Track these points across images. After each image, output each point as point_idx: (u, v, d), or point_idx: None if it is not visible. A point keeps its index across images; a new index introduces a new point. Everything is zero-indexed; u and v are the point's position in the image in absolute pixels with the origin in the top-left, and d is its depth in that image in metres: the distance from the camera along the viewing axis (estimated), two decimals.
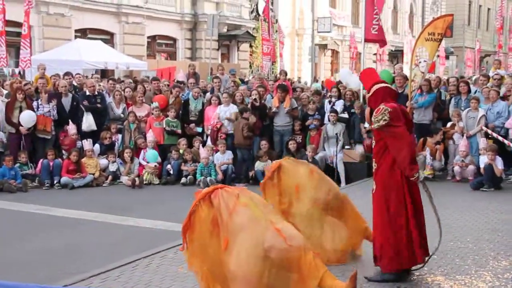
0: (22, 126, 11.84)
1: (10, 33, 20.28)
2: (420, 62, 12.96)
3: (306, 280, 4.63)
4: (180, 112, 13.14)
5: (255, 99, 12.72)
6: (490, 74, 15.68)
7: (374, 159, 5.95)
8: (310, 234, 6.03)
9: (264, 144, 12.12)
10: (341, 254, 6.26)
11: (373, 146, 6.07)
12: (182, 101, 13.40)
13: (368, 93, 6.06)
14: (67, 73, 14.44)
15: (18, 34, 18.19)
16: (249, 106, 12.57)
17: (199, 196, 4.86)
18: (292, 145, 12.04)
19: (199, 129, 13.08)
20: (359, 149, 12.42)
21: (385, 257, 5.72)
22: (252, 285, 4.52)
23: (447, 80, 15.02)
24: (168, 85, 14.35)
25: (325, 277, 4.65)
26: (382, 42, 15.16)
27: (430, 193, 5.82)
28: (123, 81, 15.28)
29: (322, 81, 25.06)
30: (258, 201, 4.94)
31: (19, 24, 17.33)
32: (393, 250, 5.66)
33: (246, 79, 19.62)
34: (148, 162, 12.27)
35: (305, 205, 6.22)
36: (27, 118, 11.86)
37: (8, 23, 15.86)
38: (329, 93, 13.54)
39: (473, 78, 17.91)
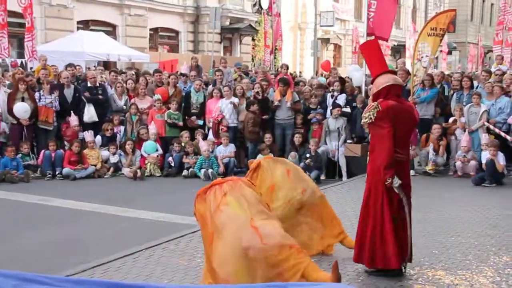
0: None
1: (11, 24, 20.25)
2: (422, 57, 12.95)
3: (287, 277, 4.58)
4: (182, 104, 13.14)
5: (257, 92, 12.72)
6: (492, 69, 15.66)
7: (368, 153, 5.98)
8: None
9: (268, 137, 12.14)
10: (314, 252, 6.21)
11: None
12: (184, 94, 13.40)
13: (374, 79, 5.87)
14: (69, 65, 14.41)
15: (20, 25, 18.17)
16: (251, 99, 12.56)
17: (198, 192, 4.89)
18: (297, 139, 12.05)
19: (200, 122, 13.07)
20: None
21: (360, 251, 5.74)
22: (232, 283, 4.53)
23: (448, 75, 15.00)
24: (169, 77, 14.31)
25: (308, 270, 4.61)
26: (380, 38, 15.05)
27: (404, 201, 5.68)
28: (125, 72, 15.23)
29: (323, 74, 24.85)
30: (245, 198, 4.92)
31: (20, 15, 17.29)
32: (366, 246, 5.65)
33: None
34: (148, 154, 12.28)
35: (279, 205, 6.18)
36: (20, 110, 11.84)
37: (9, 13, 15.81)
38: (331, 87, 13.49)
39: (475, 73, 17.89)
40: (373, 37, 15.31)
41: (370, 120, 5.55)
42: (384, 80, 5.71)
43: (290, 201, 6.20)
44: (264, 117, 12.50)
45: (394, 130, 5.51)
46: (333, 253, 6.41)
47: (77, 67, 14.54)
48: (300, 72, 32.23)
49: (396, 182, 5.52)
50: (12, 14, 18.60)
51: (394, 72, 6.18)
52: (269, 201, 6.03)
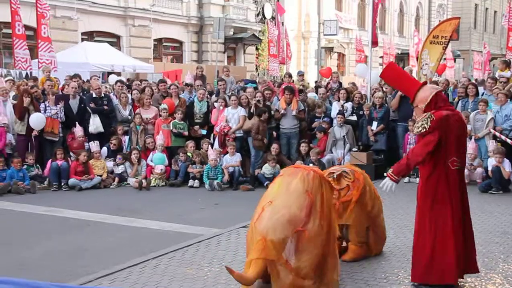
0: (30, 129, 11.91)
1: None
2: (423, 65, 13.00)
3: None
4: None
5: (258, 100, 12.71)
6: (496, 75, 15.66)
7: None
8: None
9: (275, 148, 12.10)
10: None
11: None
12: (187, 103, 13.41)
13: (413, 98, 5.72)
14: (75, 75, 14.46)
15: (29, 37, 18.23)
16: (252, 108, 12.52)
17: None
18: (303, 148, 12.04)
19: (204, 132, 13.07)
20: None
21: (413, 265, 5.69)
22: None
23: (455, 84, 15.01)
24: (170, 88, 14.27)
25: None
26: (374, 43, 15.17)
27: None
28: (130, 86, 15.27)
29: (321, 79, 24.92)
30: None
31: (28, 28, 17.45)
32: (418, 259, 5.62)
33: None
34: (154, 165, 12.27)
35: None
36: (37, 120, 11.89)
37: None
38: (329, 84, 13.58)
39: (478, 80, 17.87)
40: (375, 47, 15.38)
41: (424, 129, 5.46)
42: (427, 93, 5.62)
43: None
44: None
45: (443, 140, 5.46)
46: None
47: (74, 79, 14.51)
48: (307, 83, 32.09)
49: (389, 186, 5.59)
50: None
51: (425, 83, 6.14)
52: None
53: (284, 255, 5.07)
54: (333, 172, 6.46)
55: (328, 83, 16.13)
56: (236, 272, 5.07)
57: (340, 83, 16.28)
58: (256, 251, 5.04)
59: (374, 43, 15.06)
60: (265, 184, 11.39)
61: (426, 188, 5.59)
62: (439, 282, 5.53)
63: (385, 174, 5.87)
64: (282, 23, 25.04)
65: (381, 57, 35.79)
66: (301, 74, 20.50)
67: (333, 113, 12.95)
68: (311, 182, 5.34)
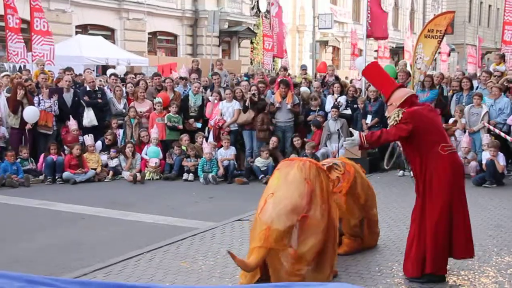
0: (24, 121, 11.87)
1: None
2: (417, 59, 13.00)
3: None
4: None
5: (253, 94, 12.70)
6: (491, 69, 15.69)
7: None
8: None
9: (274, 141, 12.10)
10: None
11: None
12: (182, 96, 13.39)
13: (388, 97, 5.82)
14: (68, 69, 14.38)
15: (25, 30, 18.19)
16: (247, 102, 12.51)
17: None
18: (296, 142, 12.05)
19: (199, 125, 13.06)
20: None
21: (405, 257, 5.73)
22: None
23: (449, 78, 14.99)
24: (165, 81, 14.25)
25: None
26: (378, 37, 15.20)
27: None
28: (125, 80, 15.22)
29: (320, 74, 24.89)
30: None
31: (25, 21, 17.38)
32: (408, 251, 5.67)
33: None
34: (149, 158, 12.25)
35: None
36: (30, 113, 11.85)
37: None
38: (326, 78, 13.61)
39: (470, 73, 17.88)
40: (372, 39, 15.40)
41: (396, 122, 5.55)
42: (402, 94, 5.76)
43: None
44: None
45: (427, 131, 5.55)
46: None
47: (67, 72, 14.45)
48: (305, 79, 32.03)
49: (351, 145, 5.82)
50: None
51: (403, 86, 6.24)
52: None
53: (287, 242, 5.19)
54: (324, 165, 6.47)
55: (325, 77, 16.12)
56: (238, 258, 5.17)
57: (336, 77, 16.29)
58: (259, 239, 5.15)
59: (380, 37, 15.10)
60: (259, 177, 11.42)
61: (419, 180, 5.64)
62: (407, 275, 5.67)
63: (352, 130, 6.05)
64: (275, 15, 24.94)
65: (376, 50, 35.80)
66: (304, 68, 20.49)
67: (327, 107, 12.97)
68: (308, 170, 5.47)
